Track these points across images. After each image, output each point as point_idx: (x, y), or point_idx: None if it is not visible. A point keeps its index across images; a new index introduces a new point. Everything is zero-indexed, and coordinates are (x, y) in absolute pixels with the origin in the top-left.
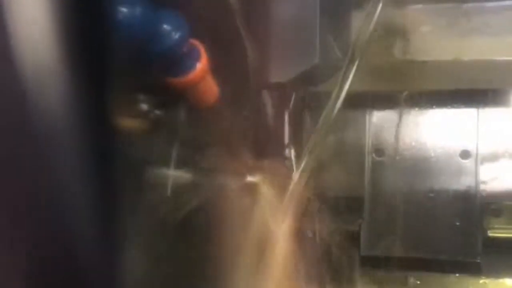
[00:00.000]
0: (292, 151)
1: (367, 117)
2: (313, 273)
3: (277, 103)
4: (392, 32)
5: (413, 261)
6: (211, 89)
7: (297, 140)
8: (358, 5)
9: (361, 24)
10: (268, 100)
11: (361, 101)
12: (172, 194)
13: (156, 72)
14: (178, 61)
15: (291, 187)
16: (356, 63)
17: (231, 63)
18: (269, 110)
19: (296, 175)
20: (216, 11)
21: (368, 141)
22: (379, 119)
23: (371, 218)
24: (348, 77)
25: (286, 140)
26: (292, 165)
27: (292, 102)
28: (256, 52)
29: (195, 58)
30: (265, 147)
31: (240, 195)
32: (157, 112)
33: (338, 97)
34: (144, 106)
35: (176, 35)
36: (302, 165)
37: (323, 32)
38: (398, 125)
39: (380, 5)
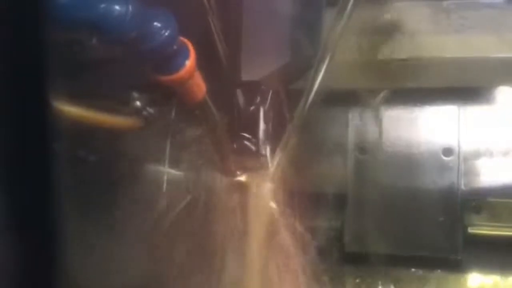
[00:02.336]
0: (268, 148)
1: (349, 115)
2: (297, 269)
3: (252, 100)
4: (372, 30)
5: (396, 257)
6: (199, 86)
7: (274, 136)
8: (331, 2)
9: (333, 21)
10: (242, 98)
11: (343, 99)
12: (165, 191)
13: (147, 70)
14: (168, 58)
15: (267, 183)
16: (327, 60)
17: (203, 61)
18: (245, 107)
19: (271, 171)
20: (189, 9)
21: (351, 139)
22: (362, 117)
23: (354, 215)
24: (319, 74)
25: (262, 137)
26: (267, 162)
27: (268, 100)
28: (228, 50)
29: (185, 56)
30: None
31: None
32: (149, 109)
33: (309, 94)
34: (137, 104)
35: (166, 33)
36: (276, 161)
37: (295, 31)
38: (381, 123)
39: (351, 1)
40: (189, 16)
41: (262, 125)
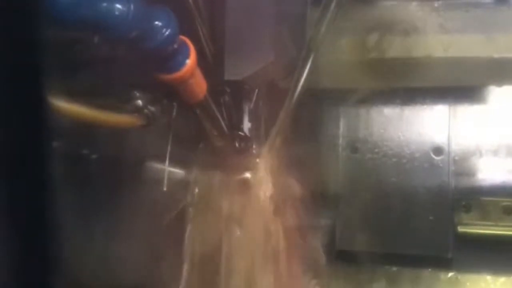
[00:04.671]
0: (256, 147)
1: (341, 114)
2: (289, 266)
3: (238, 99)
4: (364, 30)
5: (387, 256)
6: (200, 84)
7: (260, 135)
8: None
9: (317, 21)
10: (228, 97)
11: (335, 98)
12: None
13: (149, 68)
14: (169, 57)
15: (257, 181)
16: (311, 59)
17: None
18: (231, 106)
19: (260, 170)
20: (176, 10)
21: (343, 138)
22: (353, 116)
23: (346, 213)
24: (303, 73)
25: (248, 135)
26: (255, 161)
27: (253, 99)
28: (213, 50)
29: (185, 55)
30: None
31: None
32: (151, 108)
33: (294, 92)
34: (139, 102)
35: (167, 32)
36: (264, 159)
37: (278, 31)
38: (372, 122)
39: (335, 1)
40: (177, 18)
41: (248, 124)
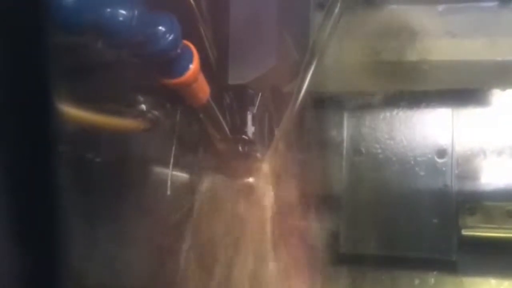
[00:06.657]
0: (260, 150)
1: (344, 117)
2: (294, 269)
3: (242, 103)
4: (367, 34)
5: (391, 258)
6: (203, 88)
7: (264, 139)
8: (318, 5)
9: (320, 24)
10: (232, 101)
11: (339, 102)
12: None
13: (152, 73)
14: (173, 62)
15: (261, 185)
16: (315, 63)
17: None
18: (234, 110)
19: (264, 173)
20: (180, 16)
21: (347, 141)
22: (357, 120)
23: (350, 216)
24: (307, 77)
25: (252, 139)
26: (260, 164)
27: (257, 103)
28: (217, 55)
29: (189, 60)
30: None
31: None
32: (155, 112)
33: (297, 96)
34: (143, 107)
35: (170, 37)
36: (268, 163)
37: (281, 35)
38: (376, 126)
39: (338, 6)
40: (181, 23)
41: (251, 128)
